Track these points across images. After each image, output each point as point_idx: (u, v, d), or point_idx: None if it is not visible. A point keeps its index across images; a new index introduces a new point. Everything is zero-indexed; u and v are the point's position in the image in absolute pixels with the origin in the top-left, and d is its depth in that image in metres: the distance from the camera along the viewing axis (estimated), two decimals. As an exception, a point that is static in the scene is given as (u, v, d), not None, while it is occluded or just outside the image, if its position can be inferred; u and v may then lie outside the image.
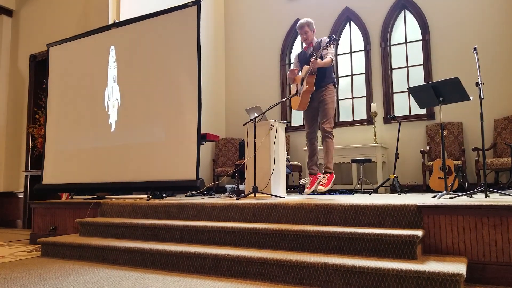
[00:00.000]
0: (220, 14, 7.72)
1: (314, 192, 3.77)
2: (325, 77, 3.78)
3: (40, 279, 2.68)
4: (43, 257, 3.55)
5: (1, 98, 6.77)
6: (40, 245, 3.66)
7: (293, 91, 3.97)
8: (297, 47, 7.13)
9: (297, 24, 3.91)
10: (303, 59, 3.92)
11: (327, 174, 3.64)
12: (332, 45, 3.69)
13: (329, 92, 3.77)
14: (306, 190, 3.83)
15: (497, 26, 5.52)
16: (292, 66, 4.11)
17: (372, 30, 6.38)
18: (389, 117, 5.93)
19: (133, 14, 5.19)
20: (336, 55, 3.91)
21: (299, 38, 7.13)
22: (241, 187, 4.91)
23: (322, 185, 3.58)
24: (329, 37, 3.62)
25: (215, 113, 7.33)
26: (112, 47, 4.93)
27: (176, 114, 4.36)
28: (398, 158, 5.30)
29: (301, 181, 3.83)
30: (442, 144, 3.50)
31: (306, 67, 3.75)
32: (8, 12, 6.95)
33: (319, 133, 3.89)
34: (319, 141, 3.90)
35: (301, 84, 3.80)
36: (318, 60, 3.61)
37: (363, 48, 6.47)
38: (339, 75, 6.65)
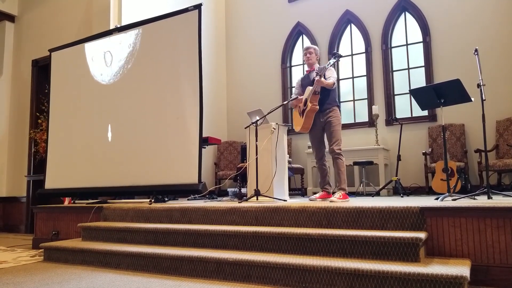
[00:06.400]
0: (221, 18, 7.75)
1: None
2: (329, 100, 3.86)
3: (43, 284, 2.68)
4: (45, 261, 3.55)
5: (3, 103, 6.80)
6: (42, 249, 3.66)
7: (295, 113, 4.02)
8: (298, 49, 7.14)
9: (304, 46, 3.96)
10: (307, 83, 3.99)
11: (342, 192, 3.64)
12: (334, 67, 3.77)
13: (334, 114, 3.84)
14: (313, 196, 3.89)
15: (498, 27, 5.51)
16: (294, 90, 4.21)
17: (373, 33, 6.39)
18: (391, 119, 5.93)
19: (135, 19, 5.21)
20: (338, 79, 4.00)
21: (300, 41, 7.15)
22: (243, 190, 4.91)
23: (337, 198, 3.57)
24: (333, 54, 3.69)
25: (217, 117, 7.34)
26: (112, 52, 4.95)
27: (177, 117, 4.37)
28: (400, 160, 5.30)
29: (310, 198, 3.90)
30: (444, 146, 3.49)
31: (309, 88, 3.83)
32: (10, 18, 7.00)
33: (327, 153, 3.97)
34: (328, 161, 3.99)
35: (304, 105, 3.87)
36: (323, 79, 3.71)
37: (364, 51, 6.47)
38: (341, 78, 6.66)
